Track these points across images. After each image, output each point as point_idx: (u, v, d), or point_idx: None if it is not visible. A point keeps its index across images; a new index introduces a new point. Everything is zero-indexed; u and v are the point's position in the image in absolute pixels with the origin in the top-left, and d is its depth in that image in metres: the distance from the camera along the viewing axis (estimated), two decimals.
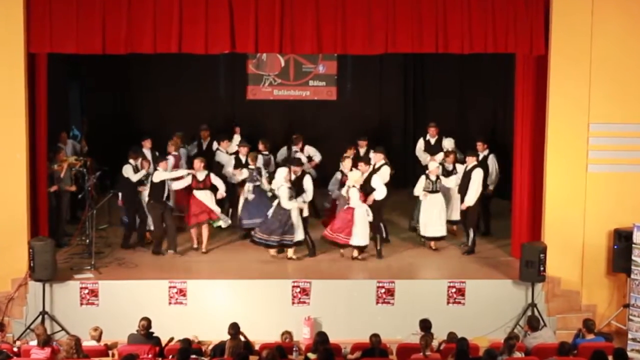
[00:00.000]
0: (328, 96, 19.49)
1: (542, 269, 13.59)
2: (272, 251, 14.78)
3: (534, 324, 12.72)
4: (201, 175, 14.97)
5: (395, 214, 16.76)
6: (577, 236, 14.21)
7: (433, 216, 15.15)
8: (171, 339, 12.23)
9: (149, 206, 15.08)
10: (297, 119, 18.91)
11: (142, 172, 15.15)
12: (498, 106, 18.47)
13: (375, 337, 11.84)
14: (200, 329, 12.98)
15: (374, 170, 15.13)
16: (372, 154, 15.90)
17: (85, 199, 15.22)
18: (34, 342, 11.93)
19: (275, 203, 14.64)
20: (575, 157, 14.09)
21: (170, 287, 13.63)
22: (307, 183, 14.88)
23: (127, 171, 15.14)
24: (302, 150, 16.86)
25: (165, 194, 14.97)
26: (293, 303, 13.70)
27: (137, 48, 13.79)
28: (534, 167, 14.55)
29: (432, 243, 15.32)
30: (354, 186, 14.57)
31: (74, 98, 18.84)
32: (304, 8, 13.80)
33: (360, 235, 14.55)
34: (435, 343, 12.11)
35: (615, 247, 13.94)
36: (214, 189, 15.06)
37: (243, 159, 15.84)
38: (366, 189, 14.73)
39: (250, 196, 15.42)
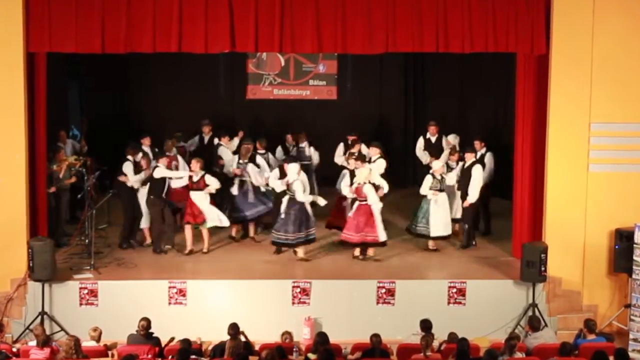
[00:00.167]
0: (328, 96, 19.49)
1: (543, 269, 13.56)
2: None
3: (534, 324, 12.68)
4: (197, 176, 14.92)
5: (395, 214, 16.72)
6: (578, 236, 14.18)
7: (439, 215, 15.11)
8: (172, 339, 12.20)
9: (149, 202, 15.03)
10: (297, 119, 18.86)
11: (142, 175, 15.10)
12: (499, 106, 18.44)
13: (375, 337, 11.80)
14: (200, 329, 12.93)
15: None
16: (367, 150, 15.88)
17: (85, 199, 15.19)
18: (33, 343, 11.88)
19: (285, 200, 14.56)
20: (576, 157, 14.06)
21: (170, 287, 13.60)
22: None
23: (127, 168, 15.11)
24: (310, 145, 16.93)
25: (165, 191, 14.96)
26: (293, 303, 13.67)
27: (136, 47, 13.75)
28: (535, 166, 14.51)
29: (431, 243, 15.27)
30: (365, 183, 14.52)
31: (73, 97, 18.84)
32: (304, 7, 13.77)
33: (382, 230, 14.54)
34: (435, 343, 12.07)
35: (617, 247, 13.92)
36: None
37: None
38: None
39: (235, 191, 15.51)
